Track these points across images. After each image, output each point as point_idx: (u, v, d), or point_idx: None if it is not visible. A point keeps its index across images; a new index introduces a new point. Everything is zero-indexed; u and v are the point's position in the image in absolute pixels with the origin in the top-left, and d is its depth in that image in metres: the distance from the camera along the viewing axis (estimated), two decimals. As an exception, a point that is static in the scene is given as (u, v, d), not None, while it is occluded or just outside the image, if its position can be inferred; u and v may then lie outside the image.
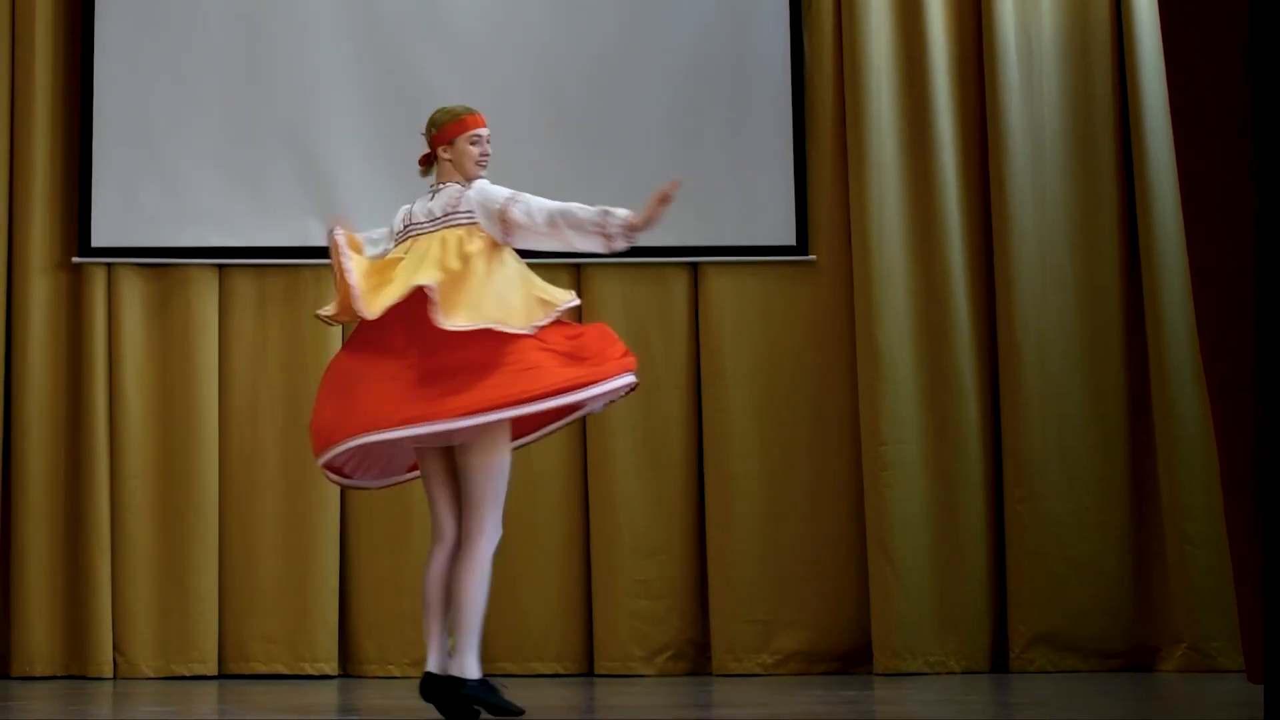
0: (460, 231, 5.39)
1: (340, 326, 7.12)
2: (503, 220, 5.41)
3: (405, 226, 5.54)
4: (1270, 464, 4.58)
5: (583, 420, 7.65)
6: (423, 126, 5.65)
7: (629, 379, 5.32)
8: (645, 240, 7.61)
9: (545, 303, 5.34)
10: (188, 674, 7.44)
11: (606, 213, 5.42)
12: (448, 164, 5.55)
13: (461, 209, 5.43)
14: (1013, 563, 7.55)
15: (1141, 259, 7.62)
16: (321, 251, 5.80)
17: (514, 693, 6.82)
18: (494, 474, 5.27)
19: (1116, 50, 7.75)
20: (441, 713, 5.31)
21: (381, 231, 5.63)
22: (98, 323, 7.55)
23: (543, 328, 5.26)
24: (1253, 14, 4.84)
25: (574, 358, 5.22)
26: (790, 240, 7.72)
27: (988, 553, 7.59)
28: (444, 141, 5.55)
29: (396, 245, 5.52)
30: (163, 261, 7.63)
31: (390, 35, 7.73)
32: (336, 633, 7.52)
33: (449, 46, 7.74)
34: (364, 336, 5.36)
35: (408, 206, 5.61)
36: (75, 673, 7.45)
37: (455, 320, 5.17)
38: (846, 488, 7.64)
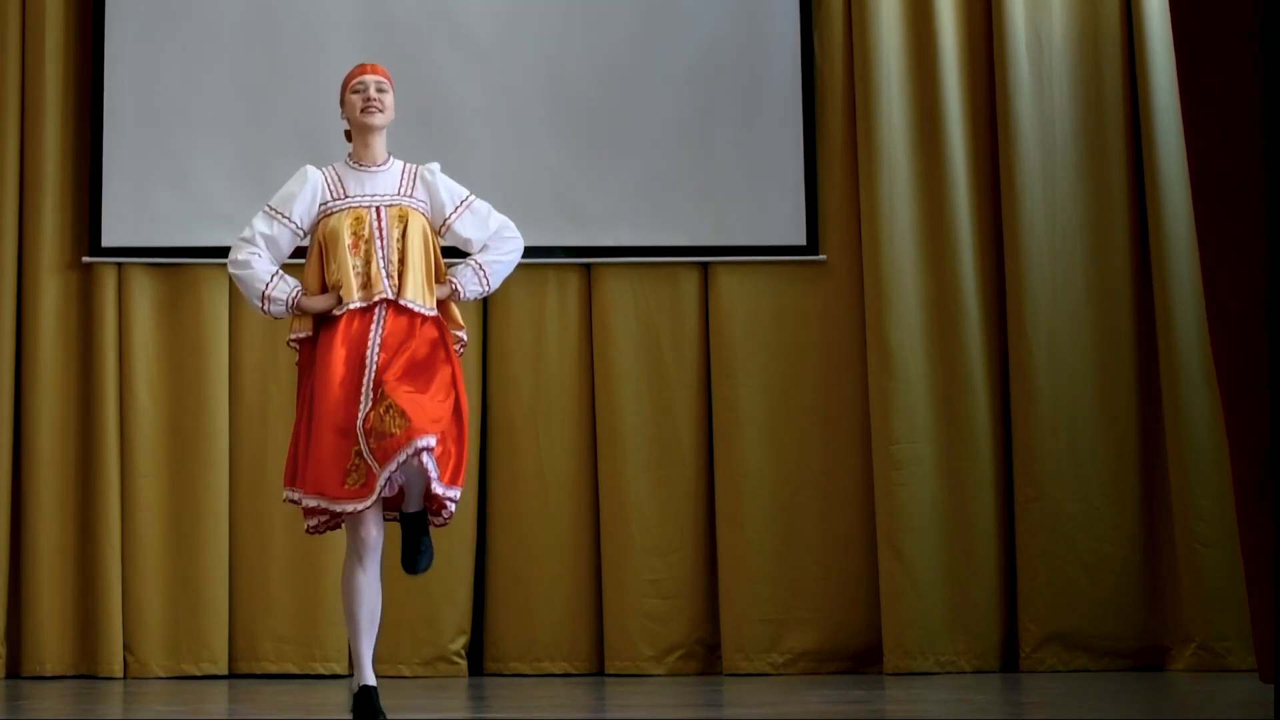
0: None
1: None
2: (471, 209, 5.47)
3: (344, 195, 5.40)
4: (1282, 463, 4.58)
5: (593, 420, 7.67)
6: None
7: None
8: (655, 240, 7.71)
9: None
10: (198, 673, 7.44)
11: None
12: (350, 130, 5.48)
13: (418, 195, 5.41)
14: (1023, 562, 7.54)
15: (1152, 257, 7.61)
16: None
17: (524, 693, 6.85)
18: None
19: (1127, 47, 7.74)
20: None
21: (267, 230, 5.45)
22: (108, 322, 7.56)
23: None
24: (1265, 12, 4.84)
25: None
26: (800, 240, 7.71)
27: (998, 552, 7.58)
28: (342, 106, 5.47)
29: (331, 215, 5.36)
30: (173, 261, 7.64)
31: (402, 36, 7.73)
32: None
33: (460, 47, 7.74)
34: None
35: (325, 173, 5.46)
36: (86, 672, 7.45)
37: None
38: (857, 487, 7.63)
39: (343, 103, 5.45)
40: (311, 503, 5.18)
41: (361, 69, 5.45)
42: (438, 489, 5.10)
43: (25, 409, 7.55)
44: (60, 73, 7.66)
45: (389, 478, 5.04)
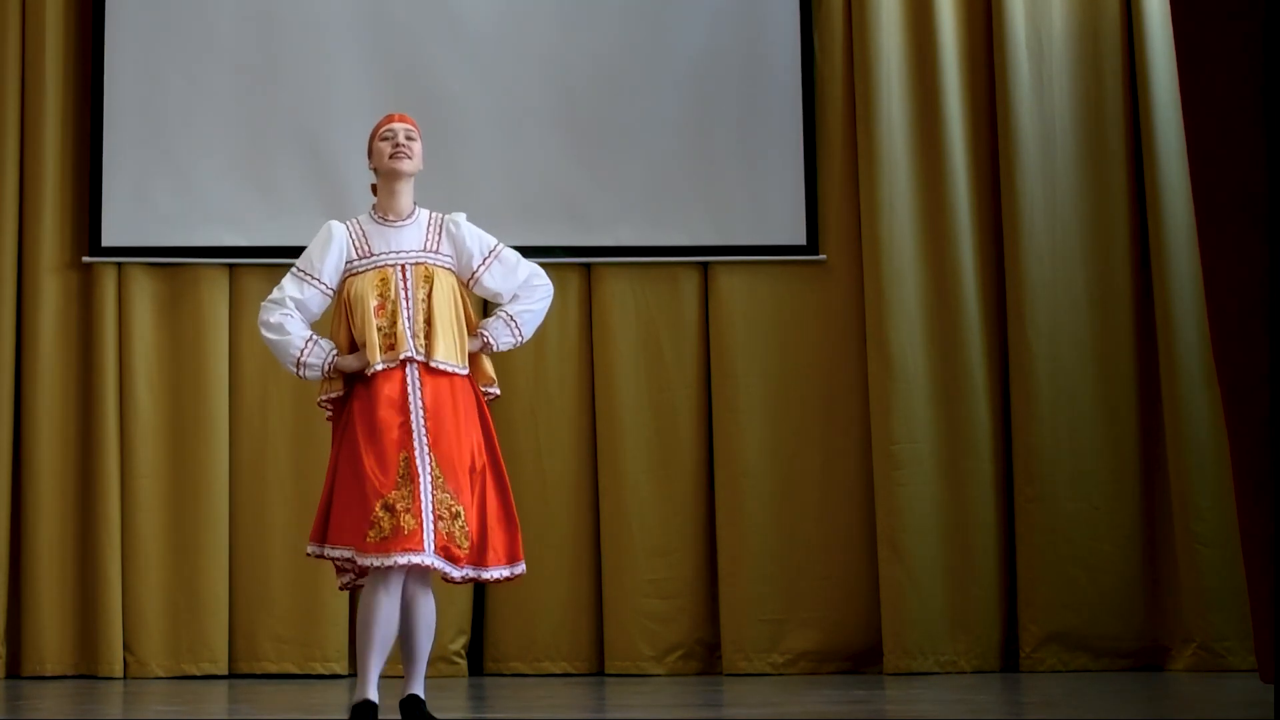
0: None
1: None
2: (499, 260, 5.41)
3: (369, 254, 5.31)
4: (1283, 463, 4.58)
5: (593, 420, 7.68)
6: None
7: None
8: (655, 240, 7.71)
9: None
10: (198, 673, 7.44)
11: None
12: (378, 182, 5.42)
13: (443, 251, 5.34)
14: (1023, 562, 7.54)
15: (1152, 258, 7.61)
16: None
17: (524, 692, 6.85)
18: None
19: (1127, 48, 7.74)
20: None
21: (298, 294, 5.29)
22: (108, 322, 7.56)
23: None
24: (1266, 12, 4.84)
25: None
26: (801, 240, 7.71)
27: (999, 552, 7.58)
28: (370, 156, 5.41)
29: (358, 274, 5.27)
30: (173, 261, 7.64)
31: (402, 36, 7.73)
32: (347, 632, 7.52)
33: (460, 48, 7.74)
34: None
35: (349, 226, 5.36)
36: (86, 672, 7.45)
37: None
38: (857, 487, 7.63)
39: (370, 152, 5.38)
40: (336, 554, 5.12)
41: (390, 118, 5.40)
42: (506, 574, 5.22)
43: (25, 409, 7.55)
44: (60, 73, 7.66)
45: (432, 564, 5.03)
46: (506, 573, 5.22)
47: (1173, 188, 7.52)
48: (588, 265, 7.73)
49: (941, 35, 7.72)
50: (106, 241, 7.60)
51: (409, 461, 5.06)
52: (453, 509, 5.07)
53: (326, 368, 5.23)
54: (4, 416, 7.50)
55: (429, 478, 5.06)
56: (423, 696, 5.17)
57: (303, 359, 5.24)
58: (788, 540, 7.58)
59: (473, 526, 5.11)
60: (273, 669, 7.50)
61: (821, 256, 7.73)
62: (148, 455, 7.53)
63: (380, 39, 7.73)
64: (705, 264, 7.74)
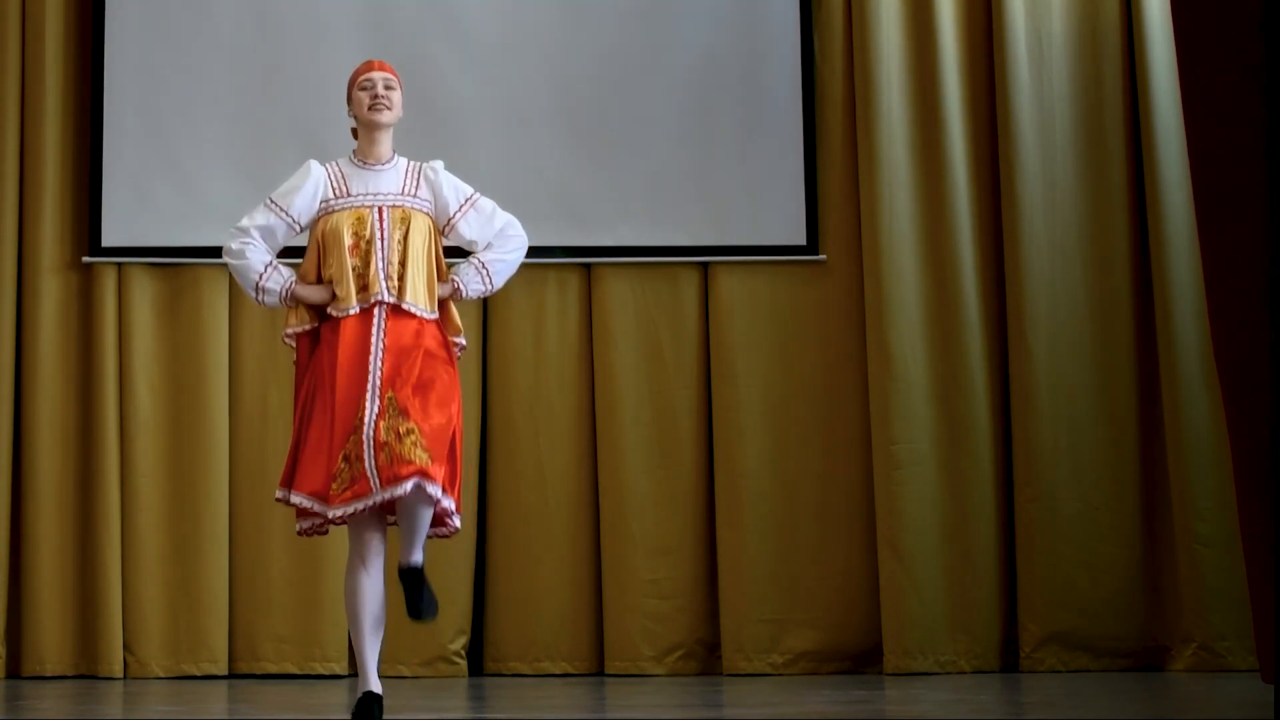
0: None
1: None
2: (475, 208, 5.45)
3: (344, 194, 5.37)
4: (1283, 463, 4.58)
5: (592, 420, 7.67)
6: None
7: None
8: (655, 240, 7.71)
9: None
10: (198, 673, 7.44)
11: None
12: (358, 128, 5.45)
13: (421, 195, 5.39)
14: (1023, 562, 7.54)
15: (1152, 258, 7.61)
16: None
17: (524, 692, 6.84)
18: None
19: (1127, 48, 7.74)
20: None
21: (264, 222, 5.41)
22: (108, 322, 7.56)
23: None
24: (1266, 12, 4.84)
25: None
26: (801, 240, 7.71)
27: (998, 552, 7.58)
28: (349, 103, 5.45)
29: (331, 214, 5.34)
30: (173, 261, 7.64)
31: (403, 36, 7.73)
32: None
33: (461, 47, 7.74)
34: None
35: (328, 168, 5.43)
36: (86, 672, 7.45)
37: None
38: (857, 487, 7.63)
39: (350, 100, 5.43)
40: (299, 500, 5.16)
41: (369, 65, 5.43)
42: (448, 503, 5.13)
43: (25, 409, 7.55)
44: (60, 73, 7.66)
45: (383, 499, 5.01)
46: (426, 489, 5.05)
47: (1173, 188, 7.52)
48: (588, 265, 7.73)
49: (941, 35, 7.72)
50: (106, 241, 7.60)
51: (362, 405, 5.09)
52: (401, 428, 5.05)
53: (284, 294, 5.30)
54: (4, 416, 7.50)
55: (375, 412, 5.05)
56: (420, 564, 5.14)
57: (261, 283, 5.33)
58: (788, 540, 7.58)
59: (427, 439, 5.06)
60: (273, 669, 7.50)
61: (821, 256, 7.73)
62: (148, 455, 7.53)
63: (380, 39, 7.72)
64: (705, 264, 7.74)
